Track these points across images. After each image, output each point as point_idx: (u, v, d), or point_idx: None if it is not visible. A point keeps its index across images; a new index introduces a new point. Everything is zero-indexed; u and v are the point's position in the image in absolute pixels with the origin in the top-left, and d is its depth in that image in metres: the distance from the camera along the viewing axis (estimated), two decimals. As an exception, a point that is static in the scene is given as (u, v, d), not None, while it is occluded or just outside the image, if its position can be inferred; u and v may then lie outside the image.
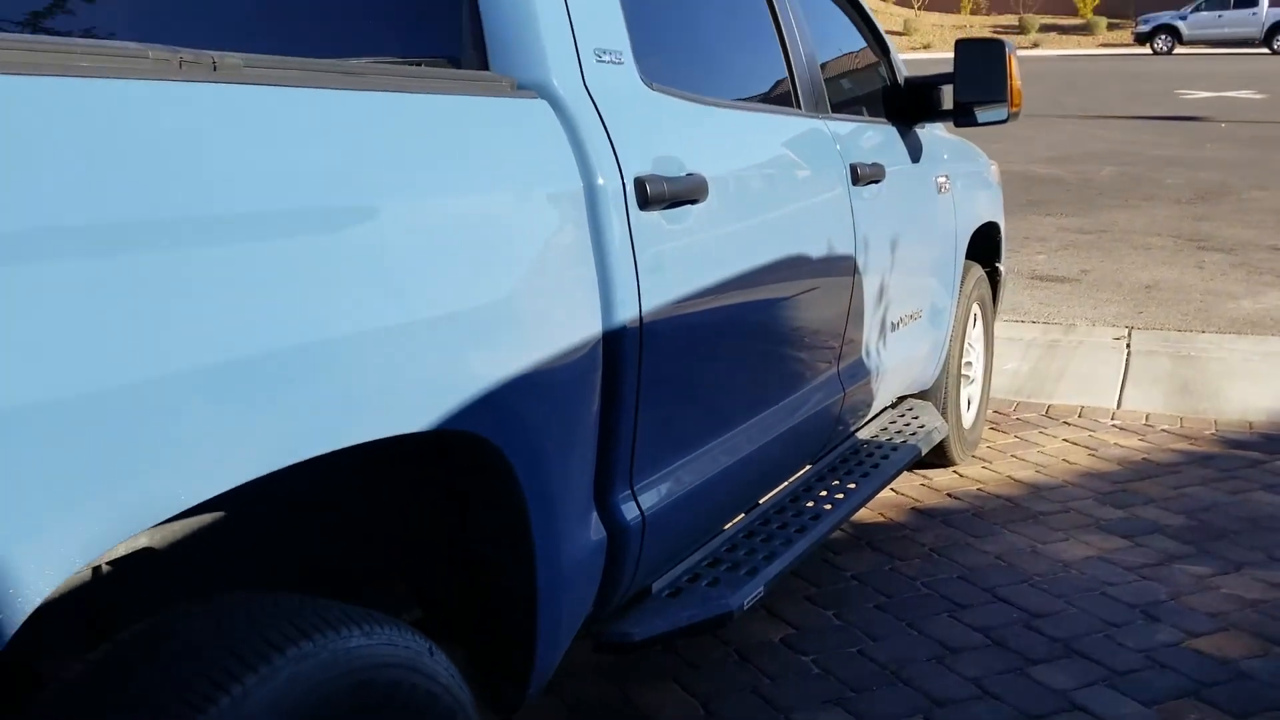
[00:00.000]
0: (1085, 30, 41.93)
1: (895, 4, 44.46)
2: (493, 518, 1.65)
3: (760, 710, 2.60)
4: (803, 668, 2.80)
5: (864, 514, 3.74)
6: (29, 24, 1.92)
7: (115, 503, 1.01)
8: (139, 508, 1.03)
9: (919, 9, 44.88)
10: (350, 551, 1.74)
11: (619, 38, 1.98)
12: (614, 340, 1.81)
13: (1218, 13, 36.27)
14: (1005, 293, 4.96)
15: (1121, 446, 4.52)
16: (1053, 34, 41.88)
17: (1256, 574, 3.33)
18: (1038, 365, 5.69)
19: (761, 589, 2.33)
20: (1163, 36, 36.48)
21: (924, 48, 38.59)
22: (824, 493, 2.88)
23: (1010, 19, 44.18)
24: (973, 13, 45.64)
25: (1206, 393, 5.18)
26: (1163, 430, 4.73)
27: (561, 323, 1.69)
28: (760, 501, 2.77)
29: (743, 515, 2.66)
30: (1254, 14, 35.63)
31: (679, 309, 1.98)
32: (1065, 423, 4.86)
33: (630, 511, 1.96)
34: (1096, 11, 42.87)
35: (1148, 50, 36.91)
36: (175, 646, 1.15)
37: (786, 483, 2.87)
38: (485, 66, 1.79)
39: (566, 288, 1.71)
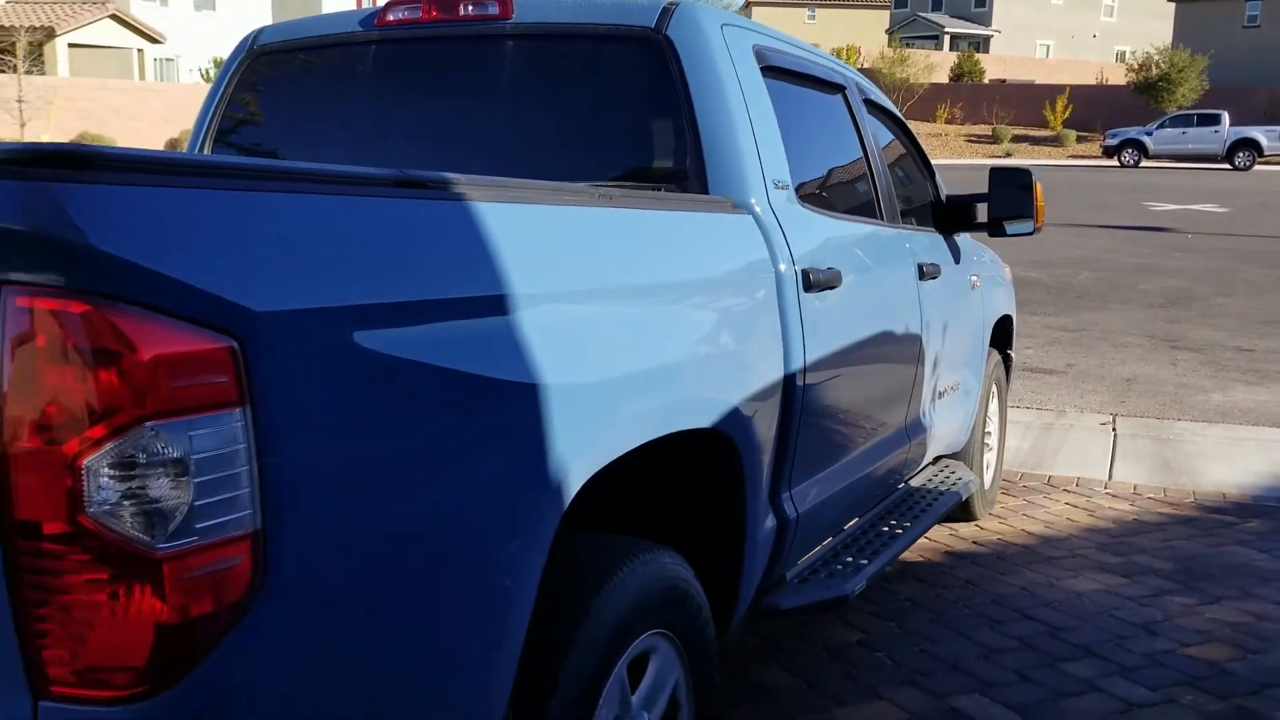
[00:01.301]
0: (1055, 142, 43.87)
1: (874, 111, 46.34)
2: (725, 492, 2.39)
3: (852, 687, 3.32)
4: (878, 661, 3.52)
5: (906, 555, 4.48)
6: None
7: (600, 442, 1.77)
8: (607, 448, 1.80)
9: (897, 116, 46.71)
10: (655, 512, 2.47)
11: (785, 172, 2.79)
12: (788, 378, 2.58)
13: (1182, 130, 38.18)
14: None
15: (1115, 509, 5.29)
16: (1024, 144, 43.76)
17: (1234, 604, 4.08)
18: (1036, 443, 6.48)
19: (864, 583, 3.07)
20: (1129, 150, 38.30)
21: (903, 153, 40.06)
22: (894, 521, 3.63)
23: (984, 129, 46.17)
24: (948, 122, 47.64)
25: (1185, 469, 5.98)
26: (1149, 498, 5.50)
27: (763, 363, 2.47)
28: (846, 527, 3.51)
29: (840, 532, 3.40)
30: (1215, 132, 37.55)
31: (824, 361, 2.76)
32: (1065, 490, 5.63)
33: (789, 509, 2.72)
34: (1066, 124, 44.92)
35: (1115, 163, 38.70)
36: (605, 558, 1.92)
37: (868, 512, 3.62)
38: (706, 191, 2.59)
39: (765, 339, 2.49)
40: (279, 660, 1.26)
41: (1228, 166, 37.11)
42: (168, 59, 36.14)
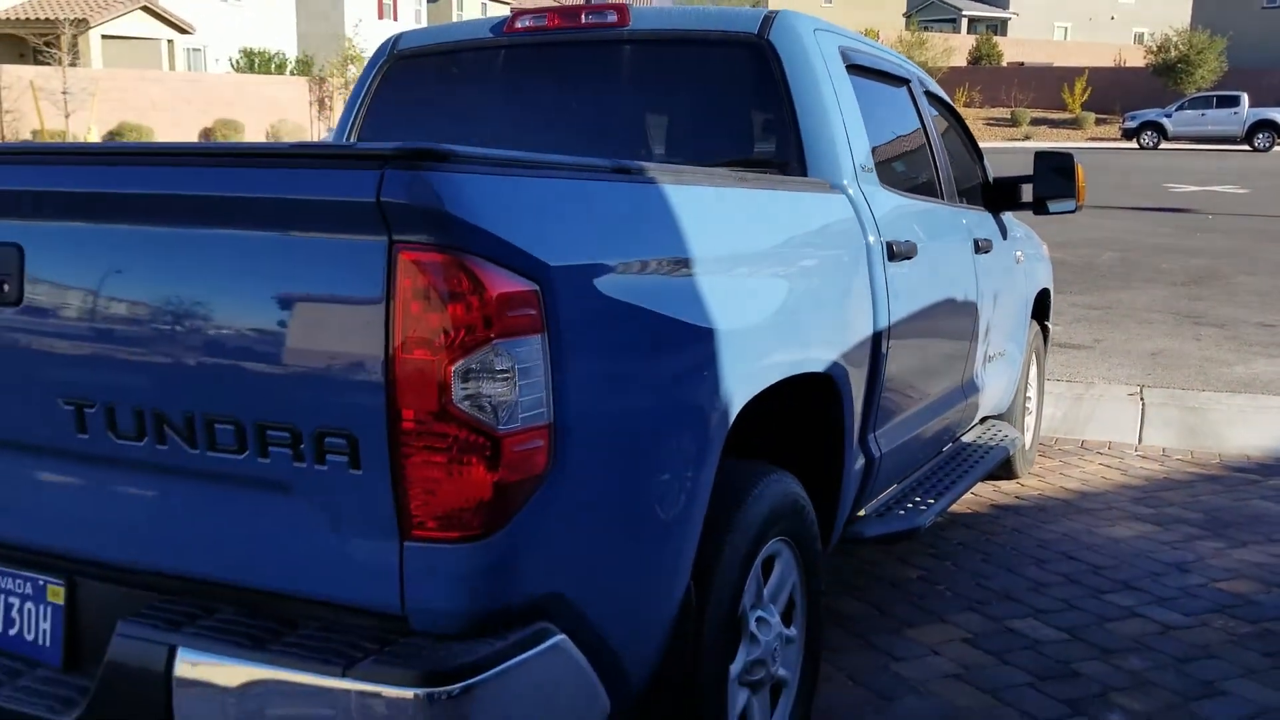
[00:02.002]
0: (1074, 125, 44.01)
1: (893, 95, 46.50)
2: (830, 426, 2.83)
3: (918, 613, 3.75)
4: (938, 593, 3.95)
5: (956, 507, 4.91)
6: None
7: (752, 377, 2.21)
8: (757, 381, 2.24)
9: (915, 100, 46.88)
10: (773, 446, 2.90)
11: (869, 157, 3.21)
12: (876, 335, 3.01)
13: (1201, 111, 38.32)
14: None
15: (1146, 469, 5.70)
16: (1043, 127, 43.91)
17: (1259, 548, 4.50)
18: (1069, 412, 6.88)
19: (933, 518, 3.50)
20: (1149, 132, 38.46)
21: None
22: (952, 469, 4.06)
23: (1003, 112, 46.32)
24: (967, 105, 47.76)
25: (1211, 434, 6.38)
26: (1177, 459, 5.91)
27: (858, 321, 2.90)
28: (912, 475, 3.94)
29: (907, 478, 3.83)
30: (1235, 113, 37.67)
31: (903, 322, 3.19)
32: (1098, 453, 6.04)
33: (874, 449, 3.15)
34: (1085, 107, 45.04)
35: (1134, 145, 38.86)
36: (749, 475, 2.36)
37: (930, 461, 4.05)
38: (805, 173, 3.02)
39: (859, 300, 2.92)
40: (561, 515, 1.71)
41: (1247, 148, 37.24)
42: (195, 49, 36.65)
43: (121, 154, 1.79)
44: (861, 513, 3.41)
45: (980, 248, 4.11)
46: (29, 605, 1.93)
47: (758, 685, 2.48)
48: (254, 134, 30.50)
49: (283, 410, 1.62)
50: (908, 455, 3.55)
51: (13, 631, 1.95)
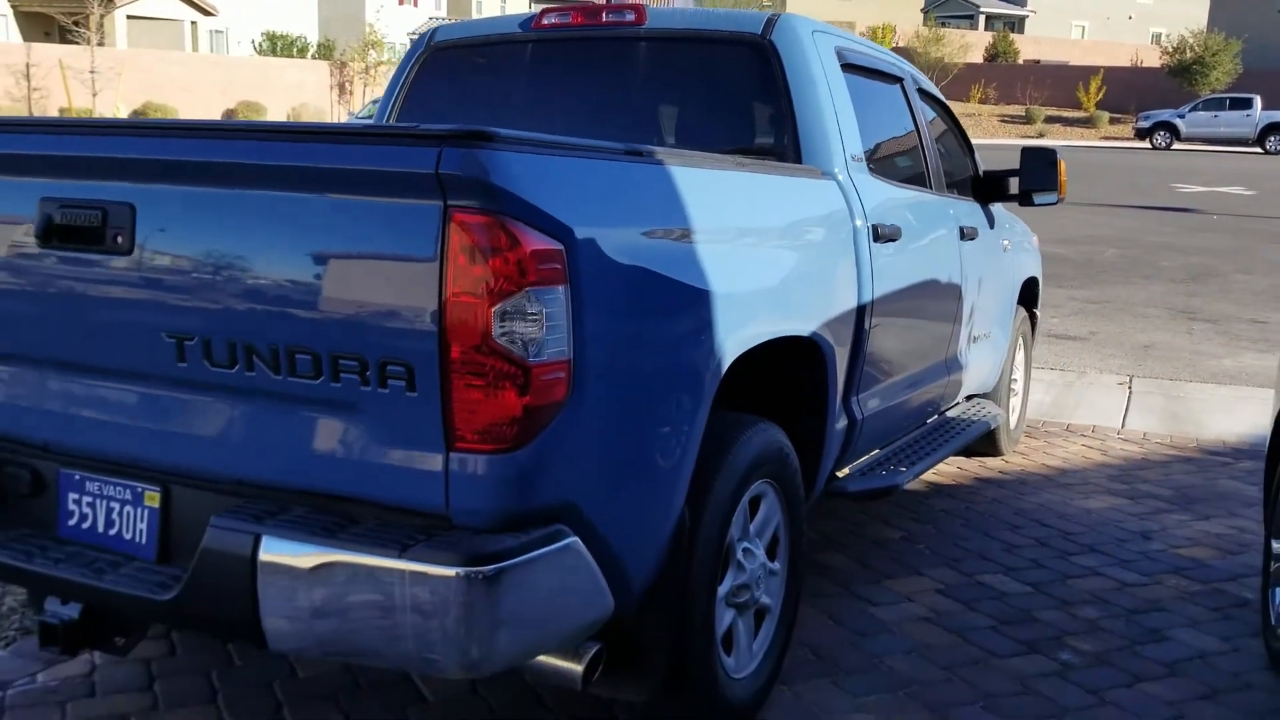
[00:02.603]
0: (1088, 123, 44.16)
1: (908, 90, 46.73)
2: (815, 387, 3.18)
3: (897, 568, 4.10)
4: (917, 551, 4.30)
5: (941, 479, 5.26)
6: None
7: (741, 335, 2.56)
8: (746, 339, 2.59)
9: (930, 96, 47.08)
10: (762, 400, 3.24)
11: (859, 148, 3.56)
12: (860, 308, 3.36)
13: (1214, 113, 38.47)
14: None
15: (1125, 451, 6.04)
16: (1057, 125, 44.07)
17: (1221, 521, 4.84)
18: (1058, 398, 7.22)
19: (912, 478, 3.85)
20: (1162, 133, 38.63)
21: (935, 133, 40.56)
22: (934, 438, 4.40)
23: (1017, 109, 46.47)
24: (982, 102, 47.94)
25: (1191, 421, 6.71)
26: (1156, 442, 6.25)
27: (844, 294, 3.24)
28: (896, 441, 4.28)
29: (890, 444, 4.18)
30: (1248, 115, 37.83)
31: (887, 298, 3.53)
32: (1082, 435, 6.37)
33: (857, 411, 3.50)
34: (1099, 106, 45.18)
35: (1147, 145, 39.03)
36: (739, 422, 2.71)
37: (914, 430, 4.40)
38: (800, 161, 3.36)
39: (845, 275, 3.27)
40: (576, 437, 2.06)
41: (1259, 150, 37.38)
42: (218, 31, 37.09)
43: (223, 130, 2.14)
44: (845, 471, 3.76)
45: (966, 235, 4.44)
46: (128, 509, 2.30)
47: (743, 607, 2.84)
48: (276, 115, 30.91)
49: (353, 343, 1.98)
50: (889, 421, 3.89)
51: (112, 531, 2.32)
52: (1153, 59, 49.81)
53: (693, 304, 2.40)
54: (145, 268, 2.14)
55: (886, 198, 3.66)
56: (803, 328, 2.96)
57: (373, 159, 1.94)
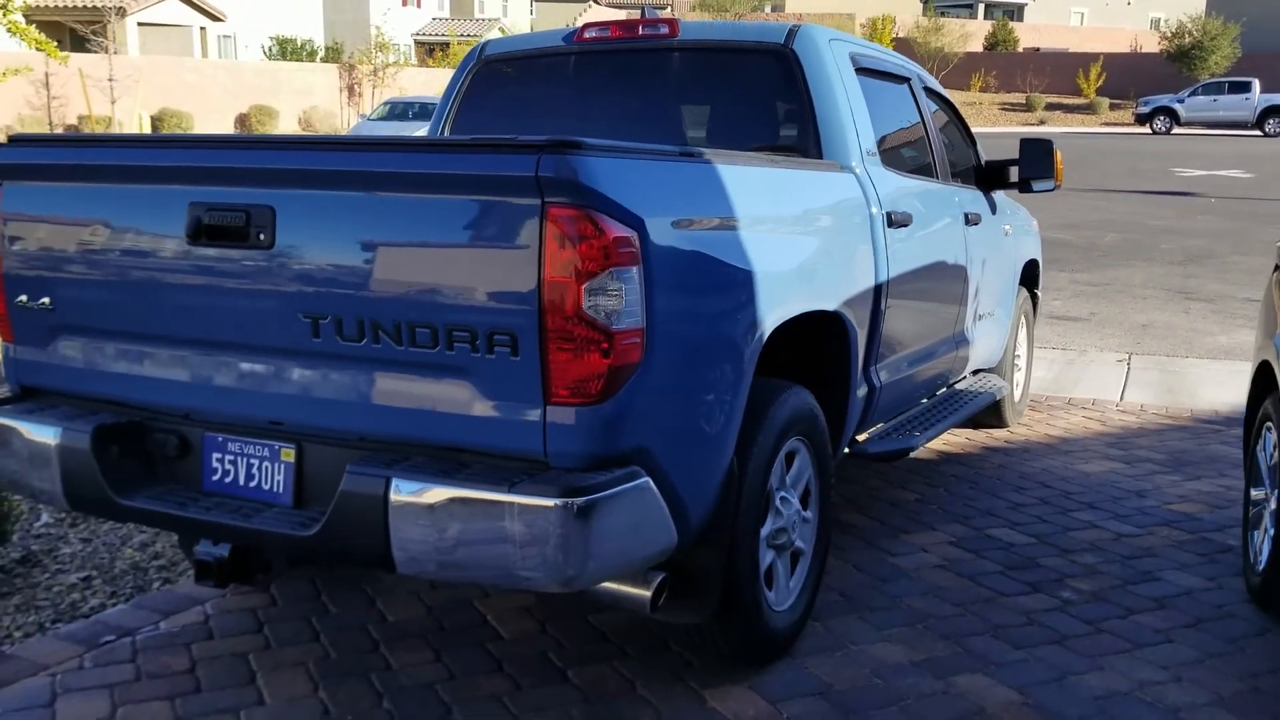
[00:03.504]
0: (1089, 110, 44.46)
1: (909, 80, 47.04)
2: (839, 357, 3.59)
3: (912, 524, 4.52)
4: (931, 510, 4.72)
5: (951, 448, 5.67)
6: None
7: (778, 310, 2.98)
8: (782, 313, 3.00)
9: (931, 86, 47.38)
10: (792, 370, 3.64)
11: (874, 143, 3.97)
12: (877, 287, 3.76)
13: (1213, 97, 38.78)
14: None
15: (1123, 421, 6.44)
16: (1057, 112, 44.36)
17: (1211, 480, 5.25)
18: (1060, 374, 7.62)
19: (925, 441, 4.26)
20: (1161, 118, 38.93)
21: (937, 122, 40.88)
22: (944, 406, 4.82)
23: (1018, 97, 46.77)
24: (982, 90, 48.25)
25: (1186, 393, 7.11)
26: (1153, 413, 6.64)
27: (862, 274, 3.65)
28: (909, 410, 4.69)
29: (904, 412, 4.59)
30: (1246, 99, 38.14)
31: (900, 278, 3.94)
32: (1082, 408, 6.77)
33: (875, 379, 3.91)
34: (1099, 92, 45.47)
35: (1147, 130, 39.33)
36: (774, 386, 3.12)
37: (925, 400, 4.81)
38: (820, 156, 3.77)
39: (863, 258, 3.68)
40: (647, 393, 2.47)
41: (1258, 133, 37.68)
42: (226, 36, 37.55)
43: (352, 144, 2.56)
44: (864, 436, 4.18)
45: (970, 220, 4.85)
46: (266, 464, 2.71)
47: (781, 549, 3.25)
48: (287, 120, 31.37)
49: (465, 317, 2.39)
50: (904, 390, 4.30)
51: (253, 484, 2.73)
52: (1152, 44, 50.08)
53: (739, 281, 2.81)
54: (284, 260, 2.56)
55: (898, 187, 4.07)
56: (828, 304, 3.37)
57: (481, 165, 2.35)
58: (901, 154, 4.42)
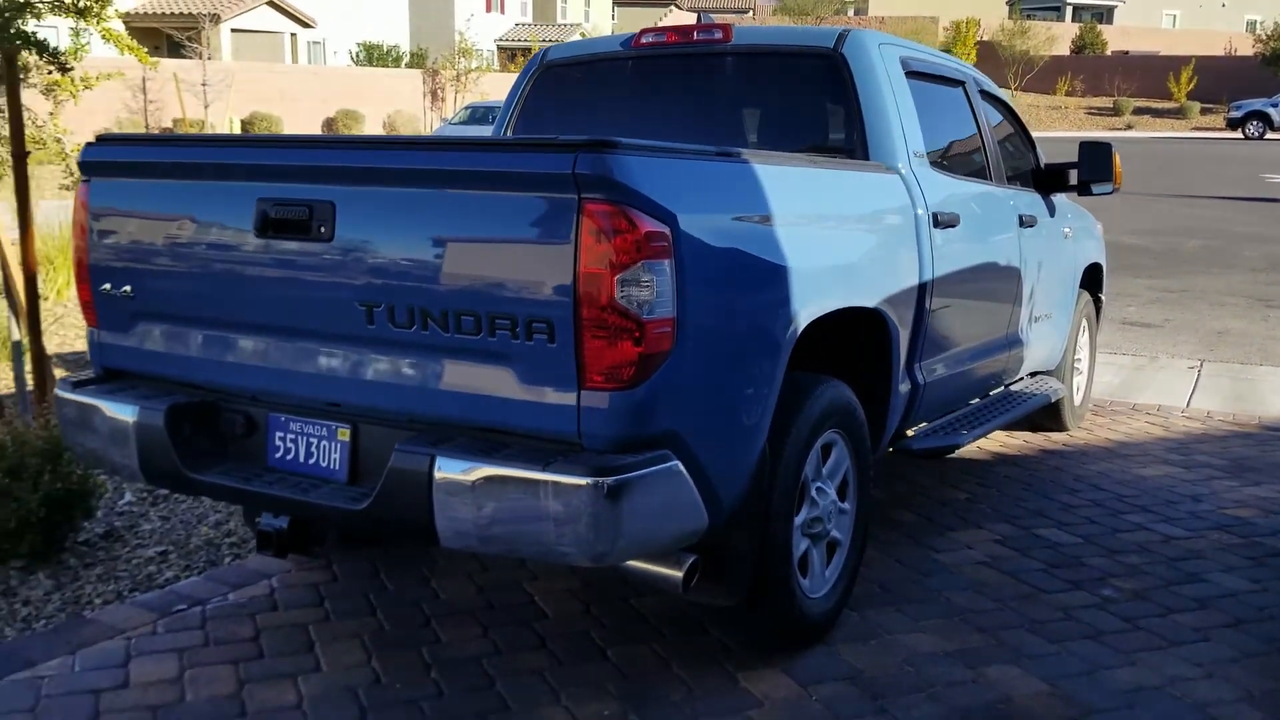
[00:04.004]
0: (1179, 114, 43.42)
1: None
2: (879, 356, 3.67)
3: (960, 523, 4.57)
4: (980, 509, 4.76)
5: (1006, 449, 5.69)
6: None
7: (813, 304, 3.08)
8: (817, 308, 3.10)
9: (1016, 90, 46.75)
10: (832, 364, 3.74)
11: (920, 145, 4.04)
12: (921, 285, 3.84)
13: (1310, 101, 37.65)
14: (1101, 334, 6.83)
15: (1187, 427, 6.38)
16: (1146, 117, 43.41)
17: (1270, 486, 5.20)
18: (1127, 380, 7.56)
19: (973, 439, 4.31)
20: (1254, 123, 37.88)
21: (1021, 127, 40.31)
22: (996, 406, 4.85)
23: (1105, 101, 45.85)
24: (1068, 94, 47.40)
25: (1256, 401, 7.01)
26: (1219, 420, 6.57)
27: (906, 272, 3.73)
28: (959, 409, 4.74)
29: (956, 410, 4.64)
30: (1346, 103, 36.96)
31: (946, 277, 4.00)
32: (1146, 414, 6.72)
33: (919, 377, 3.98)
34: (1190, 96, 44.37)
35: (1239, 135, 38.29)
36: (811, 380, 3.22)
37: (977, 399, 4.85)
38: (867, 158, 3.86)
39: (907, 256, 3.75)
40: (678, 380, 2.60)
41: (1358, 139, 36.47)
42: (315, 42, 38.53)
43: (406, 143, 2.73)
44: (911, 431, 4.25)
45: (1025, 222, 4.88)
46: (324, 443, 2.90)
47: (816, 538, 3.35)
48: (372, 123, 32.10)
49: (506, 306, 2.54)
50: (952, 388, 4.36)
51: (312, 461, 2.92)
52: (1247, 47, 48.69)
53: (772, 276, 2.92)
54: (343, 252, 2.73)
55: (946, 188, 4.13)
56: (867, 300, 3.46)
57: (523, 163, 2.50)
58: (952, 156, 4.48)
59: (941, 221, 3.97)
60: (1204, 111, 43.53)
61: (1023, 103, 44.79)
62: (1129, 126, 41.38)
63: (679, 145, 2.72)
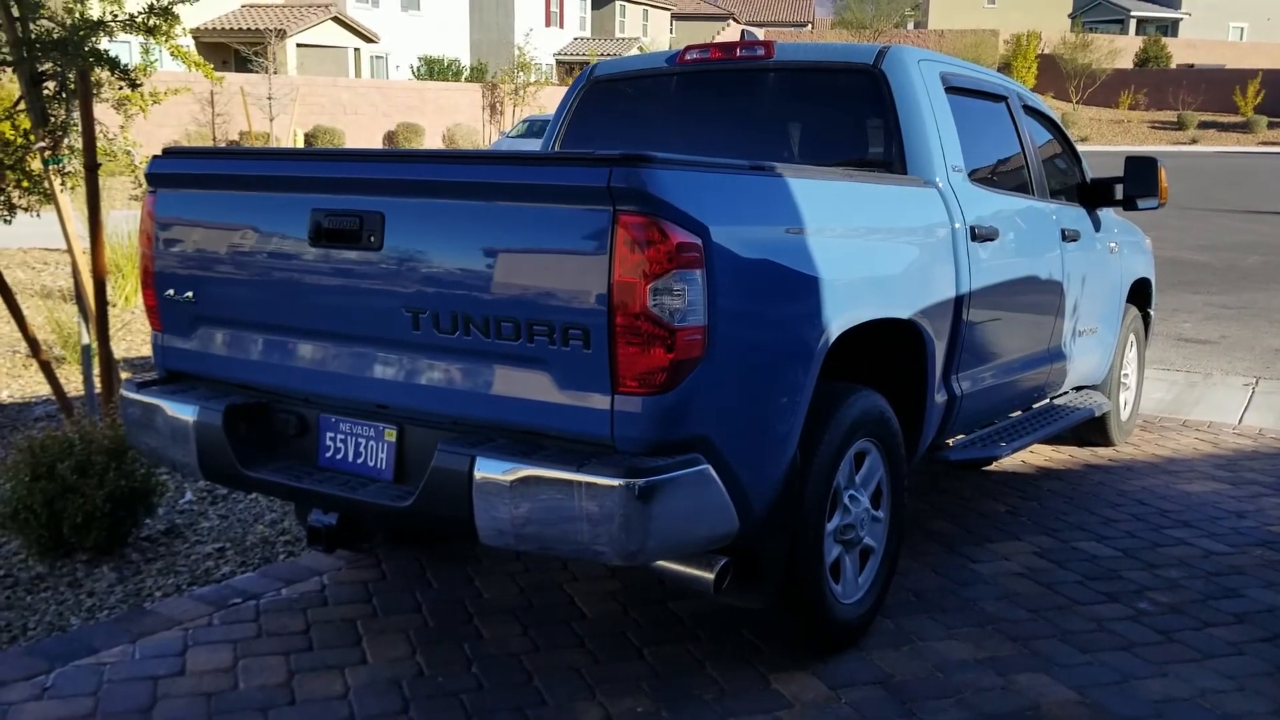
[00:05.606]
0: (1245, 128, 42.63)
1: (1054, 98, 46.00)
2: (915, 367, 3.73)
3: (999, 534, 4.60)
4: (1020, 522, 4.78)
5: (1050, 463, 5.69)
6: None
7: (845, 315, 3.15)
8: (850, 318, 3.18)
9: (1077, 103, 46.21)
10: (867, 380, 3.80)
11: (960, 159, 4.09)
12: (958, 298, 3.89)
13: (1383, 115, 36.78)
14: (1154, 350, 6.79)
15: (1237, 444, 6.33)
16: (1211, 130, 42.67)
17: (1317, 504, 5.16)
18: (1179, 396, 7.50)
19: (1011, 451, 4.35)
20: (1325, 137, 37.09)
21: (1081, 140, 39.85)
22: (1037, 419, 4.88)
23: (1169, 115, 45.17)
24: (1131, 108, 46.76)
25: (1310, 418, 6.93)
26: (1271, 438, 6.51)
27: (942, 285, 3.79)
28: (998, 421, 4.77)
29: (995, 422, 4.68)
30: None
31: (984, 290, 4.05)
32: (1196, 430, 6.67)
33: (956, 389, 4.03)
34: (1258, 110, 43.55)
35: (1309, 150, 37.53)
36: (843, 388, 3.30)
37: (1020, 411, 4.88)
38: (905, 172, 3.93)
39: (944, 269, 3.81)
40: (709, 386, 2.69)
41: None
42: (379, 56, 39.23)
43: (451, 157, 2.86)
44: (951, 442, 4.29)
45: (1068, 237, 4.91)
46: (371, 443, 3.03)
47: (849, 544, 3.42)
48: (432, 136, 32.62)
49: (544, 313, 2.65)
50: (991, 400, 4.40)
51: (359, 460, 3.05)
52: (1318, 60, 47.71)
53: (804, 287, 3.01)
54: (391, 260, 2.87)
55: (985, 202, 4.18)
56: (902, 312, 3.53)
57: (561, 177, 2.62)
58: (993, 170, 4.53)
59: (980, 235, 4.02)
60: (1271, 125, 42.68)
61: (1084, 116, 44.28)
62: (1194, 141, 40.71)
63: (712, 159, 2.82)
